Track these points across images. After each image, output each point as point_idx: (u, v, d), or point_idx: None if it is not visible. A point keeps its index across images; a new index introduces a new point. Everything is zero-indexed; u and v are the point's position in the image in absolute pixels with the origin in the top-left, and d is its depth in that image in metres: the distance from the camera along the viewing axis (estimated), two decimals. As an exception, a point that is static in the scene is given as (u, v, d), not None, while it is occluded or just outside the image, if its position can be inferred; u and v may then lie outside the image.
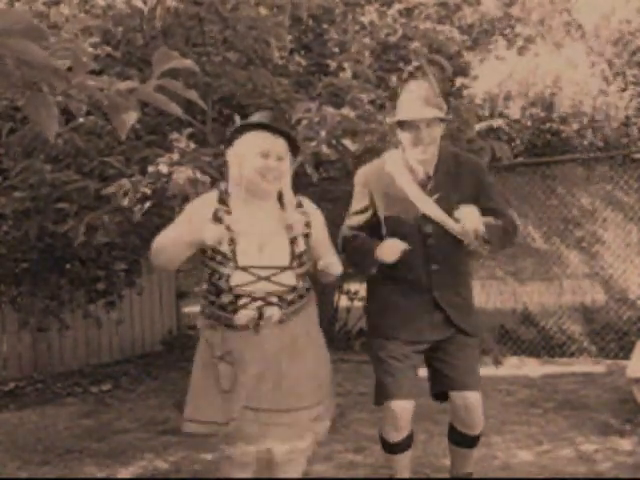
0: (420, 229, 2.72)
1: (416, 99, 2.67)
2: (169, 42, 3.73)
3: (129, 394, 5.39)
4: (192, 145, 3.29)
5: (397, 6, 5.01)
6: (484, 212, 2.64)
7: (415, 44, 4.53)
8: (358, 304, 7.39)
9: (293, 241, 2.43)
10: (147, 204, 3.24)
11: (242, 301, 2.37)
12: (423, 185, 2.74)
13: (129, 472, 3.58)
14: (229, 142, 2.47)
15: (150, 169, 3.26)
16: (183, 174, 3.05)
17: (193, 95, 1.67)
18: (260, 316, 2.37)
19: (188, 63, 1.68)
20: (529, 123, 7.03)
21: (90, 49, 3.36)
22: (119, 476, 3.52)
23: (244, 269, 2.35)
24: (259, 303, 2.37)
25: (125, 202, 3.18)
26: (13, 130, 3.89)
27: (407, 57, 4.59)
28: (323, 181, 3.45)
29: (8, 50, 1.36)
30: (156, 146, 3.65)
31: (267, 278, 2.36)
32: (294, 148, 2.50)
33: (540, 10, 9.06)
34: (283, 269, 2.39)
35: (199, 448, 3.78)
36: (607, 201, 6.29)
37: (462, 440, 2.81)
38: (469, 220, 2.55)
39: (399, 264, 2.67)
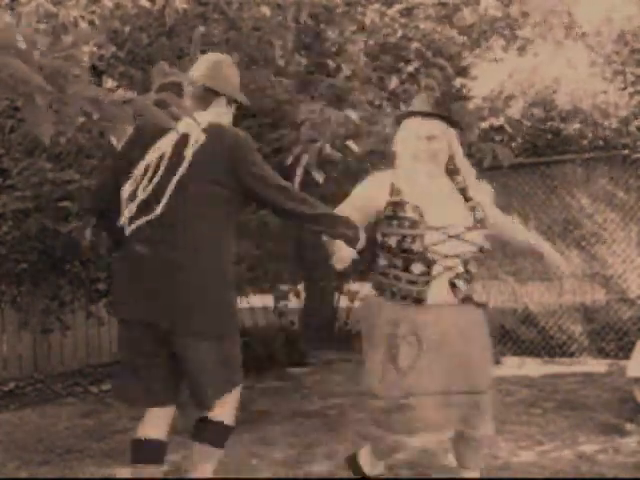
0: None
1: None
2: (173, 41, 3.73)
3: (129, 394, 5.38)
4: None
5: (397, 6, 5.01)
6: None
7: (415, 44, 4.54)
8: (358, 304, 7.40)
9: (472, 208, 2.60)
10: None
11: (435, 270, 2.48)
12: None
13: (129, 472, 3.57)
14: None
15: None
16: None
17: (190, 113, 1.68)
18: (453, 285, 2.49)
19: (187, 78, 1.69)
20: (529, 123, 7.03)
21: (95, 49, 3.37)
22: (119, 476, 3.52)
23: (435, 229, 2.49)
24: (450, 274, 2.49)
25: None
26: (14, 128, 3.89)
27: (407, 57, 4.60)
28: (326, 182, 3.45)
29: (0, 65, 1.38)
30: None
31: (457, 236, 2.50)
32: (453, 124, 2.67)
33: (540, 10, 9.06)
34: (469, 229, 2.54)
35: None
36: (607, 201, 6.29)
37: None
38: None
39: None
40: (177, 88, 3.17)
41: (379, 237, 2.62)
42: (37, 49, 1.47)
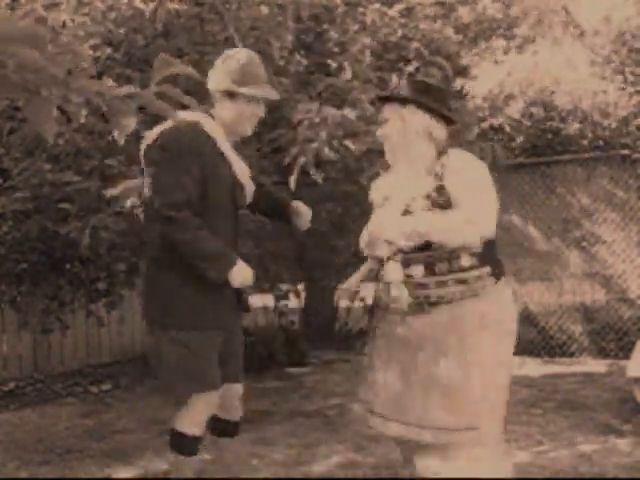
0: (234, 200, 2.62)
1: (264, 73, 2.62)
2: (170, 42, 3.73)
3: (129, 394, 5.39)
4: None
5: (397, 6, 5.01)
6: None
7: (415, 44, 4.54)
8: (358, 304, 7.40)
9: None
10: None
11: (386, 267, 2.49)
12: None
13: (129, 472, 3.58)
14: None
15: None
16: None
17: (192, 102, 1.68)
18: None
19: (189, 71, 1.69)
20: (529, 123, 7.03)
21: (90, 52, 3.36)
22: (119, 476, 3.52)
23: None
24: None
25: (128, 204, 3.19)
26: (14, 130, 3.89)
27: (407, 57, 4.60)
28: (325, 181, 3.46)
29: (8, 56, 1.37)
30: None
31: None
32: (428, 109, 2.36)
33: (539, 9, 9.06)
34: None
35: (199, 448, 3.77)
36: (607, 201, 6.29)
37: None
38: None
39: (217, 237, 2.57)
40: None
41: None
42: (41, 41, 1.47)
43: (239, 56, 2.57)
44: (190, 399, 2.59)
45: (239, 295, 2.65)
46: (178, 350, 2.55)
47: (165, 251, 2.49)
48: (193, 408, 2.62)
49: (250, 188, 2.70)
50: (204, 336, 2.55)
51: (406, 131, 2.37)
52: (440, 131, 2.39)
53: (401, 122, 2.37)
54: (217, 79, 2.58)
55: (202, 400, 2.60)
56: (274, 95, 2.61)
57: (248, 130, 2.65)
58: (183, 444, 2.67)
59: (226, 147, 2.59)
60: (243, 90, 2.54)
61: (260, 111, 2.62)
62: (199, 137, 2.51)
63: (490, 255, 2.38)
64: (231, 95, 2.55)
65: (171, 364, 2.57)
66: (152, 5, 3.53)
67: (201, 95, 3.38)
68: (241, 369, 2.78)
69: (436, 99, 2.38)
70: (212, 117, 2.59)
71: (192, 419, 2.63)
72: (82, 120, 3.63)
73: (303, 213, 2.82)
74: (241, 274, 2.47)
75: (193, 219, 2.42)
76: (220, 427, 2.80)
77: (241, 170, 2.64)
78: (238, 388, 2.77)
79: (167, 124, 2.51)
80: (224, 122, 2.59)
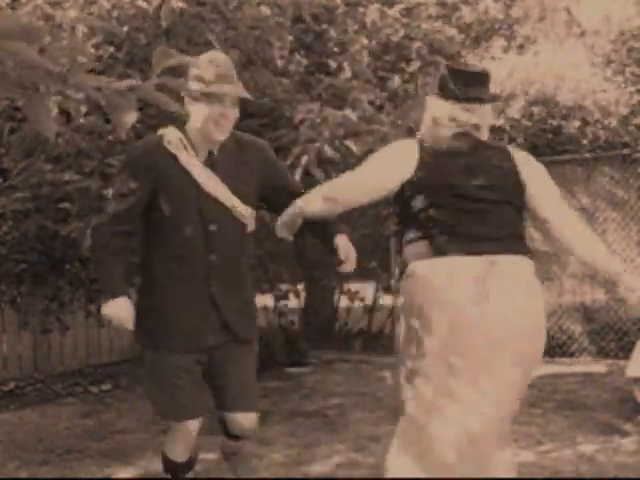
0: (201, 213, 2.44)
1: (226, 72, 2.42)
2: (171, 42, 3.73)
3: (129, 394, 5.39)
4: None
5: (398, 6, 5.01)
6: (279, 190, 2.56)
7: (417, 44, 4.54)
8: (358, 304, 7.40)
9: None
10: None
11: None
12: (207, 164, 2.48)
13: (129, 472, 3.57)
14: None
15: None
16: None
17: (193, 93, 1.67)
18: None
19: (188, 60, 1.68)
20: (529, 123, 7.03)
21: (92, 50, 3.36)
22: (119, 476, 3.52)
23: None
24: None
25: None
26: (14, 130, 3.89)
27: (408, 57, 4.60)
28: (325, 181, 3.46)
29: (5, 52, 1.37)
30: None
31: None
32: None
33: (540, 9, 9.06)
34: None
35: (199, 448, 3.77)
36: (607, 200, 6.29)
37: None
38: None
39: (175, 253, 2.44)
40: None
41: None
42: (39, 37, 1.46)
43: (202, 58, 2.45)
44: (169, 424, 2.55)
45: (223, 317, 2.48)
46: (147, 370, 2.53)
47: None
48: (171, 434, 2.59)
49: (237, 204, 2.50)
50: (164, 358, 2.45)
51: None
52: None
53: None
54: (183, 83, 2.40)
55: (176, 429, 2.53)
56: (237, 92, 2.44)
57: (218, 134, 2.44)
58: (168, 467, 2.65)
59: (190, 161, 2.44)
60: (206, 89, 2.39)
61: (231, 113, 2.43)
62: (151, 152, 2.44)
63: None
64: (195, 98, 2.42)
65: (146, 384, 2.55)
66: (155, 3, 3.53)
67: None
68: (245, 396, 2.55)
69: None
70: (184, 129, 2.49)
71: (171, 446, 2.59)
72: (81, 118, 3.64)
73: (348, 254, 2.46)
74: (113, 311, 2.37)
75: (110, 236, 2.41)
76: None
77: (212, 184, 2.46)
78: (240, 419, 2.54)
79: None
80: (194, 131, 2.46)
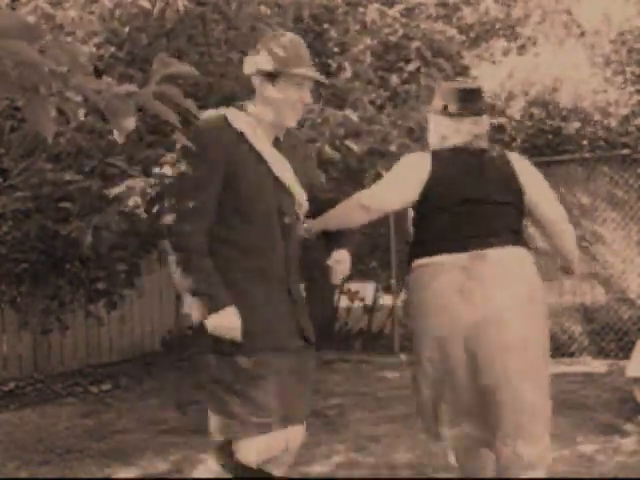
0: (279, 204, 2.26)
1: (306, 54, 2.28)
2: (172, 42, 3.73)
3: (129, 394, 5.39)
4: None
5: (398, 6, 5.01)
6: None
7: (416, 44, 4.54)
8: (358, 304, 7.40)
9: None
10: (156, 207, 3.25)
11: None
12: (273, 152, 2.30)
13: (129, 472, 3.58)
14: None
15: (155, 170, 3.28)
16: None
17: (191, 105, 1.66)
18: None
19: (188, 69, 1.67)
20: (529, 123, 7.03)
21: (94, 49, 3.36)
22: (119, 476, 3.52)
23: None
24: None
25: (131, 203, 3.18)
26: (14, 129, 3.89)
27: (408, 57, 4.60)
28: (327, 182, 3.46)
29: (5, 52, 1.37)
30: (158, 146, 3.65)
31: None
32: None
33: (541, 10, 9.06)
34: None
35: (199, 448, 3.77)
36: (607, 200, 6.29)
37: None
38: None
39: (255, 249, 2.22)
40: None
41: None
42: (39, 37, 1.46)
43: (282, 37, 2.28)
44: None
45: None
46: (231, 377, 2.17)
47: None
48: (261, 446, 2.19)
49: (301, 195, 2.34)
50: (263, 360, 2.17)
51: None
52: None
53: None
54: (258, 61, 2.25)
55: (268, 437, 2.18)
56: (322, 78, 2.33)
57: (292, 119, 2.27)
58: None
59: (262, 143, 2.26)
60: (289, 70, 2.21)
61: (307, 96, 2.28)
62: (222, 136, 2.20)
63: None
64: (274, 78, 2.22)
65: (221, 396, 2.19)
66: (159, 4, 3.52)
67: (204, 89, 3.38)
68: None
69: None
70: (245, 111, 2.29)
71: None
72: (81, 118, 3.64)
73: (339, 269, 2.38)
74: (223, 322, 2.12)
75: (198, 236, 2.15)
76: None
77: (285, 172, 2.28)
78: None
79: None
80: (263, 114, 2.26)
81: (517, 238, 2.50)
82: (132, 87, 1.59)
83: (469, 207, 2.45)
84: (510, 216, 2.50)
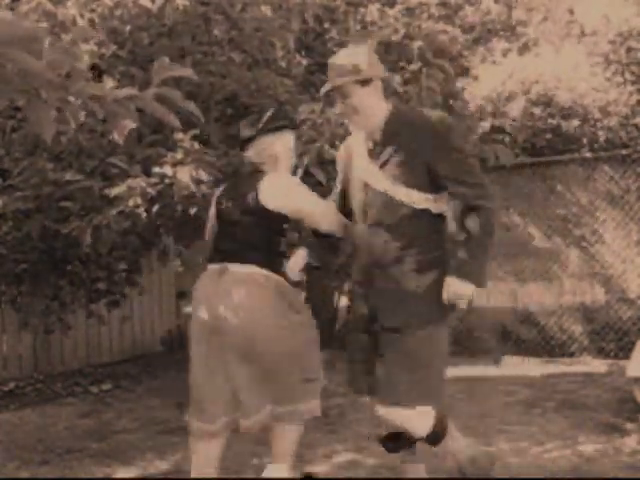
0: (364, 202, 2.64)
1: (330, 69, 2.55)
2: (174, 41, 3.73)
3: (129, 394, 5.39)
4: (196, 145, 3.30)
5: (399, 6, 5.00)
6: (438, 180, 2.50)
7: (418, 43, 4.53)
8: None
9: None
10: (156, 207, 3.25)
11: None
12: (372, 155, 2.58)
13: (129, 472, 3.58)
14: None
15: (155, 170, 3.28)
16: (187, 173, 3.06)
17: (191, 106, 1.67)
18: None
19: (188, 72, 1.68)
20: (529, 123, 7.03)
21: (95, 48, 3.36)
22: (119, 476, 3.52)
23: None
24: None
25: (131, 203, 3.18)
26: (15, 129, 3.89)
27: (409, 57, 4.59)
28: (327, 182, 3.46)
29: (7, 59, 1.38)
30: (159, 146, 3.65)
31: None
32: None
33: (542, 10, 9.05)
34: None
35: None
36: (607, 200, 6.29)
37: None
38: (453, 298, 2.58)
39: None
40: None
41: None
42: (39, 44, 1.47)
43: (365, 45, 2.76)
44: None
45: None
46: (433, 349, 2.65)
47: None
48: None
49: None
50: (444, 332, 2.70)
51: None
52: None
53: None
54: (370, 65, 2.51)
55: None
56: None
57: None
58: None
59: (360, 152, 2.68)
60: (384, 75, 2.59)
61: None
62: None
63: None
64: (364, 82, 2.47)
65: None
66: (159, 2, 3.52)
67: (206, 89, 3.37)
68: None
69: None
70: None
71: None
72: (81, 119, 3.64)
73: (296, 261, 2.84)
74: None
75: None
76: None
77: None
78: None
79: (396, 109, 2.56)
80: (357, 115, 2.53)
81: (255, 256, 2.71)
82: (133, 90, 1.60)
83: (222, 227, 2.83)
84: (255, 235, 2.72)
